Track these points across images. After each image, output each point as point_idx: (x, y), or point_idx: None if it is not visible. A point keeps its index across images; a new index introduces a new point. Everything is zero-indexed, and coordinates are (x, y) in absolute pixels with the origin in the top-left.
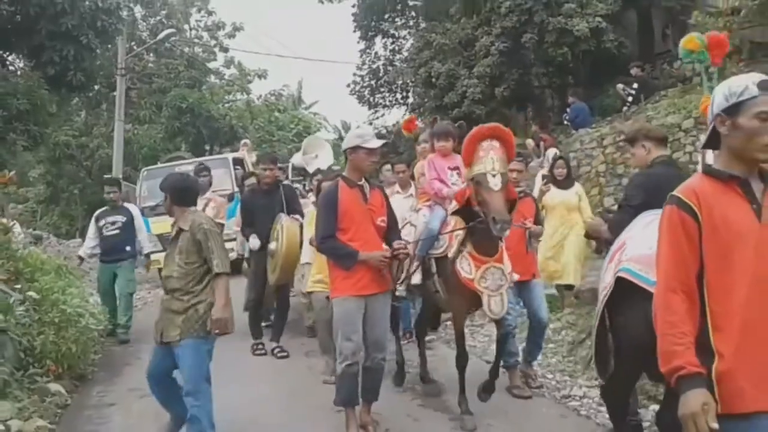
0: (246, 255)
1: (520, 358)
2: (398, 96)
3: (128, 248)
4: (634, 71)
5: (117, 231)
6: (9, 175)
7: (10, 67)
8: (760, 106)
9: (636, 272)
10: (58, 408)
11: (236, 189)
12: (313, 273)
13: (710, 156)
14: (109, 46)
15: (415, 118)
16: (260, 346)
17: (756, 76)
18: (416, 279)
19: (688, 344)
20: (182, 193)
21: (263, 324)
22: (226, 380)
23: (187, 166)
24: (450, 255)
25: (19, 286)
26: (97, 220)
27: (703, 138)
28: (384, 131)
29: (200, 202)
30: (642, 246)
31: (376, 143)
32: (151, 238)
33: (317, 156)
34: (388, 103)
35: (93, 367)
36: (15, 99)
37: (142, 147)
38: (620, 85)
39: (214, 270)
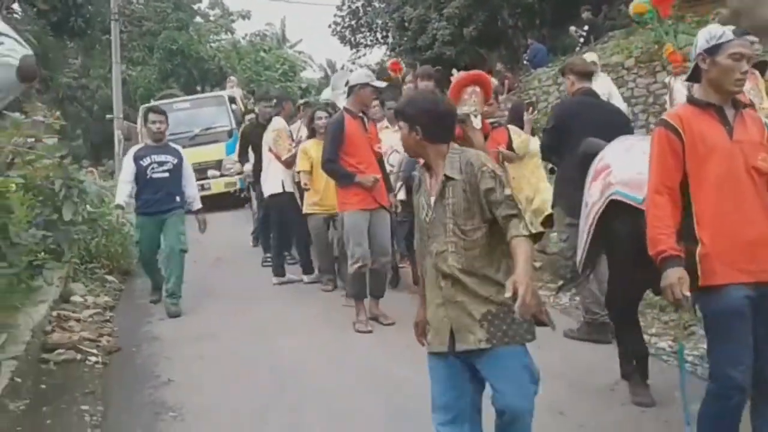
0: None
1: None
2: (378, 36)
3: (178, 197)
4: (584, 15)
5: (166, 174)
6: (56, 114)
7: (15, 15)
8: (734, 48)
9: (627, 194)
10: (114, 291)
11: (234, 126)
12: (310, 196)
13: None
14: None
15: (398, 62)
16: (268, 260)
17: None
18: (401, 195)
19: (671, 233)
20: (440, 122)
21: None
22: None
23: (184, 103)
24: None
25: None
26: (138, 158)
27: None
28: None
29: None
30: (630, 170)
31: (382, 83)
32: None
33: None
34: (369, 42)
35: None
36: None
37: (137, 87)
38: (572, 28)
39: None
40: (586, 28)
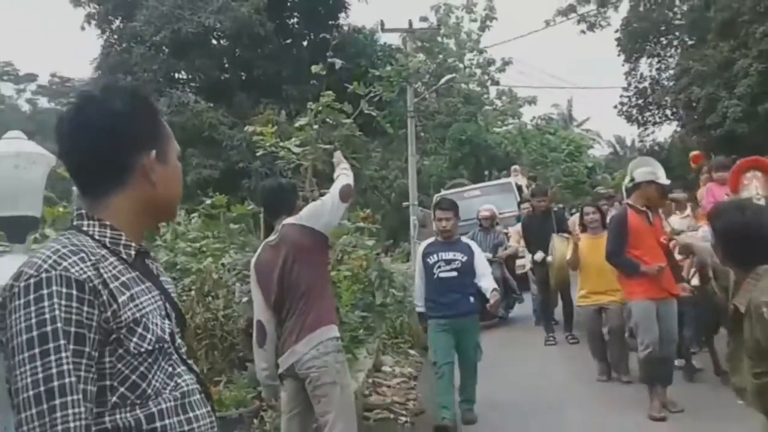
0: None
1: None
2: (667, 112)
3: (472, 298)
4: None
5: (455, 273)
6: (366, 212)
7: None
8: None
9: None
10: (416, 362)
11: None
12: (579, 288)
13: None
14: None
15: (702, 155)
16: (552, 338)
17: None
18: (695, 281)
19: None
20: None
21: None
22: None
23: (474, 191)
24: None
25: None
26: (426, 255)
27: None
28: (656, 148)
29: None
30: None
31: (666, 181)
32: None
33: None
34: (657, 119)
35: None
36: (355, 137)
37: (431, 176)
38: None
39: None
40: None
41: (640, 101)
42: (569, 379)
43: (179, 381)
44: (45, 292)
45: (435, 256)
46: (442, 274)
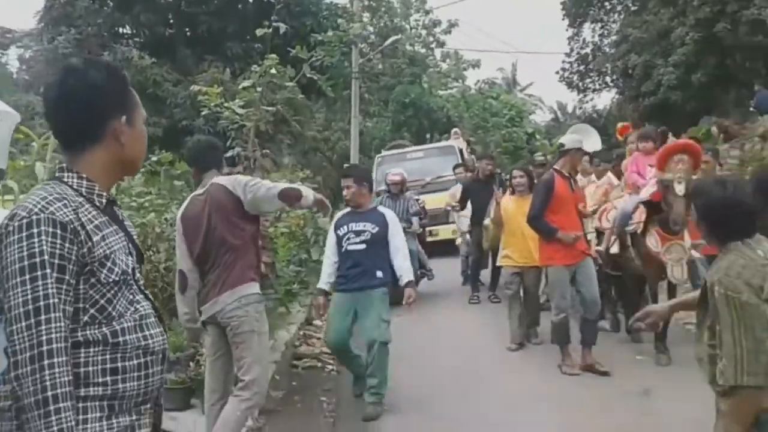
0: (464, 230)
1: None
2: (607, 80)
3: (380, 273)
4: None
5: (363, 246)
6: (306, 173)
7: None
8: None
9: None
10: None
11: None
12: (502, 247)
13: None
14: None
15: (630, 126)
16: (476, 297)
17: None
18: (614, 249)
19: None
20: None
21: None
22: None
23: (418, 152)
24: (639, 232)
25: None
26: (337, 227)
27: None
28: (595, 115)
29: None
30: None
31: (591, 148)
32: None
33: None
34: (597, 87)
35: None
36: (296, 101)
37: (373, 138)
38: None
39: None
40: None
41: (581, 67)
42: (488, 342)
43: (138, 306)
44: (35, 230)
45: (345, 227)
46: (350, 247)
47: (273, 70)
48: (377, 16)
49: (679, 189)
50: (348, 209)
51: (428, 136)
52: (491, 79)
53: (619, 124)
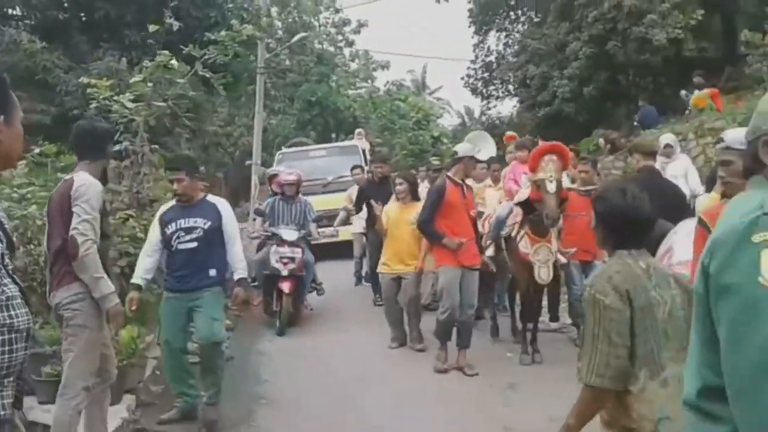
0: (358, 231)
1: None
2: (510, 88)
3: (213, 271)
4: (696, 80)
5: (194, 244)
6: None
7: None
8: None
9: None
10: (236, 317)
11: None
12: (382, 255)
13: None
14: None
15: (515, 136)
16: (379, 297)
17: None
18: (490, 252)
19: None
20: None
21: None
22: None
23: (320, 151)
24: (513, 235)
25: None
26: (164, 223)
27: None
28: (497, 122)
29: None
30: (685, 253)
31: (485, 156)
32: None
33: (480, 149)
34: (500, 94)
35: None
36: (187, 98)
37: (277, 136)
38: (683, 92)
39: None
40: (696, 92)
41: (485, 74)
42: (377, 346)
43: (5, 288)
44: None
45: (173, 224)
46: (180, 246)
47: (166, 66)
48: (286, 12)
49: (551, 187)
50: (172, 203)
51: (334, 135)
52: (400, 81)
53: (506, 134)
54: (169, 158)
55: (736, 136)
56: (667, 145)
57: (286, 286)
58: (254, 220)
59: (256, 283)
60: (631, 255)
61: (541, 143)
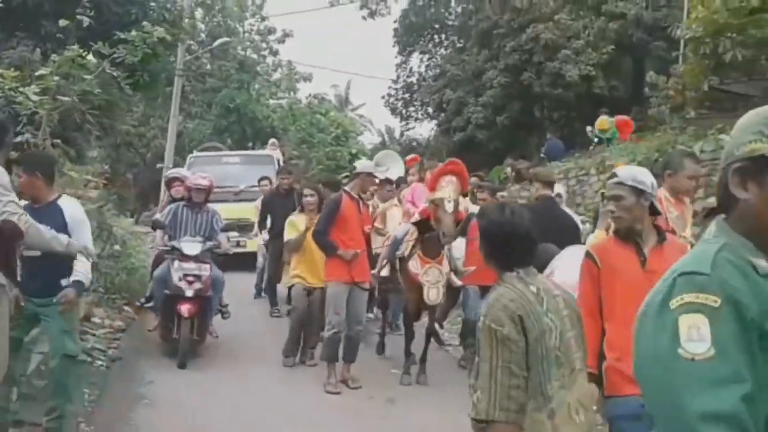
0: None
1: None
2: (429, 110)
3: (64, 281)
4: (602, 117)
5: (37, 252)
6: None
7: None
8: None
9: None
10: (128, 318)
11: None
12: (293, 267)
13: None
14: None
15: (417, 158)
16: (277, 310)
17: None
18: (384, 272)
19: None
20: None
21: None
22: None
23: (234, 158)
24: (406, 255)
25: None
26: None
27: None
28: (414, 143)
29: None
30: (568, 274)
31: (382, 175)
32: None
33: (389, 168)
34: (419, 116)
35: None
36: (93, 95)
37: (192, 140)
38: (589, 128)
39: None
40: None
41: (406, 95)
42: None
43: None
44: None
45: None
46: (26, 253)
47: (76, 60)
48: (210, 15)
49: (449, 207)
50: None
51: (251, 144)
52: (322, 94)
53: (409, 156)
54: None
55: (628, 172)
56: (558, 194)
57: (185, 309)
58: (154, 230)
59: (151, 304)
60: (520, 278)
61: (441, 165)
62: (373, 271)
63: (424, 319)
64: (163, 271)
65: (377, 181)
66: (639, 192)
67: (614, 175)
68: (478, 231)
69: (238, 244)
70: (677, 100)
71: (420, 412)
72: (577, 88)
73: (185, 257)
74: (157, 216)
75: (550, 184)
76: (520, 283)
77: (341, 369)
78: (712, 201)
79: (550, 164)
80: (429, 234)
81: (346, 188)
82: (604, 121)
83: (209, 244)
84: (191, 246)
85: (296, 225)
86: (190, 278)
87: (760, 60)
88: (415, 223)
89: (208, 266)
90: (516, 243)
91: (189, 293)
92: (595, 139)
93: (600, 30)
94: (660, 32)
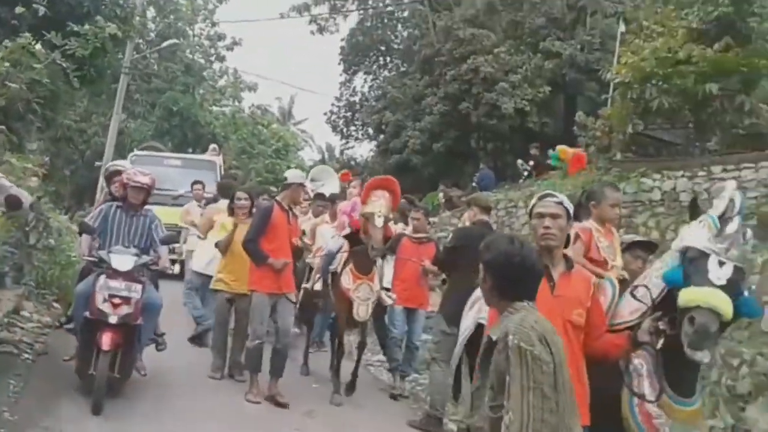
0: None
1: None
2: (369, 131)
3: None
4: (532, 151)
5: None
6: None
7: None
8: (536, 209)
9: None
10: (57, 314)
11: None
12: (218, 270)
13: None
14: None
15: (349, 173)
16: None
17: None
18: (318, 286)
19: None
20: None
21: None
22: None
23: (176, 160)
24: (339, 271)
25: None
26: None
27: None
28: (353, 162)
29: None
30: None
31: (328, 191)
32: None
33: (324, 184)
34: (360, 136)
35: None
36: (41, 85)
37: (133, 140)
38: (519, 161)
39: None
40: (531, 163)
41: (348, 114)
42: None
43: None
44: None
45: None
46: None
47: (25, 48)
48: (162, 15)
49: (378, 221)
50: None
51: (190, 150)
52: (265, 105)
53: (342, 171)
54: None
55: (563, 196)
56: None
57: (106, 341)
58: (80, 234)
59: (71, 326)
60: (531, 308)
61: (372, 178)
62: (305, 285)
63: (350, 336)
64: (87, 287)
65: (309, 194)
66: (569, 217)
67: (550, 195)
68: (424, 259)
69: (173, 251)
70: (603, 141)
71: (337, 425)
72: (512, 121)
73: (114, 273)
74: (86, 219)
75: (487, 210)
76: (534, 310)
77: (269, 384)
78: (631, 237)
79: (481, 193)
80: (359, 247)
81: (278, 198)
82: (564, 150)
83: (145, 258)
84: (122, 259)
85: (226, 227)
86: (117, 300)
87: (684, 109)
88: (345, 236)
89: (140, 287)
90: (524, 275)
91: (113, 319)
92: (524, 173)
93: (536, 67)
94: (593, 74)
